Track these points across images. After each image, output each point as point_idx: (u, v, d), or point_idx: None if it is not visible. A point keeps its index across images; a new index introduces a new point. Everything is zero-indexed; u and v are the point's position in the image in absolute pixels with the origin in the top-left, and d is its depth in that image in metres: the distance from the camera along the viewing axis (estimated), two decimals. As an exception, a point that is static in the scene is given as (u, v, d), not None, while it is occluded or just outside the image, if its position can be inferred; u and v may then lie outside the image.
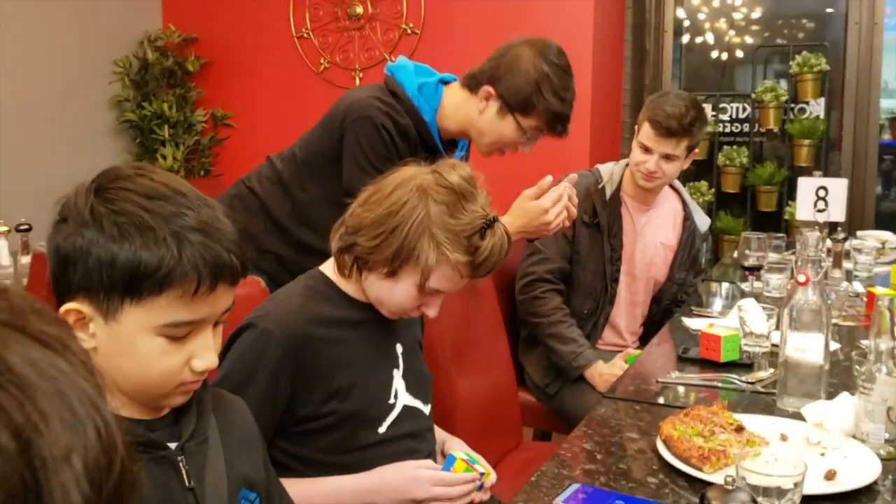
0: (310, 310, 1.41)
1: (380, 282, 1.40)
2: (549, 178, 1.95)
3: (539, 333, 2.46)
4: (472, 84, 1.99)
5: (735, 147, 4.34)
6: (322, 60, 4.31)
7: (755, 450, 1.31)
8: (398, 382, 1.49)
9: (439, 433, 1.63)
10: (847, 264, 2.79)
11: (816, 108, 4.22)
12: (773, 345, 1.91)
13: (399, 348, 1.52)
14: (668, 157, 2.44)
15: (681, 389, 1.78)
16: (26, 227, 2.93)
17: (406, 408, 1.48)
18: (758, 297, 2.37)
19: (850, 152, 4.07)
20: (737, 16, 4.43)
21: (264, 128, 4.40)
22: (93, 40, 4.25)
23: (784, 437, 1.46)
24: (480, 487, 1.42)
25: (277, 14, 4.35)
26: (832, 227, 2.90)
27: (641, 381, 1.83)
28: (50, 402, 0.39)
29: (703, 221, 2.70)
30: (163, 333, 0.94)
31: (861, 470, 1.30)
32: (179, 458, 0.99)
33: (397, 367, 1.50)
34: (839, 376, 1.78)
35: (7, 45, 3.82)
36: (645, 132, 2.44)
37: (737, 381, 1.79)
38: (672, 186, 2.66)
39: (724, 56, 4.51)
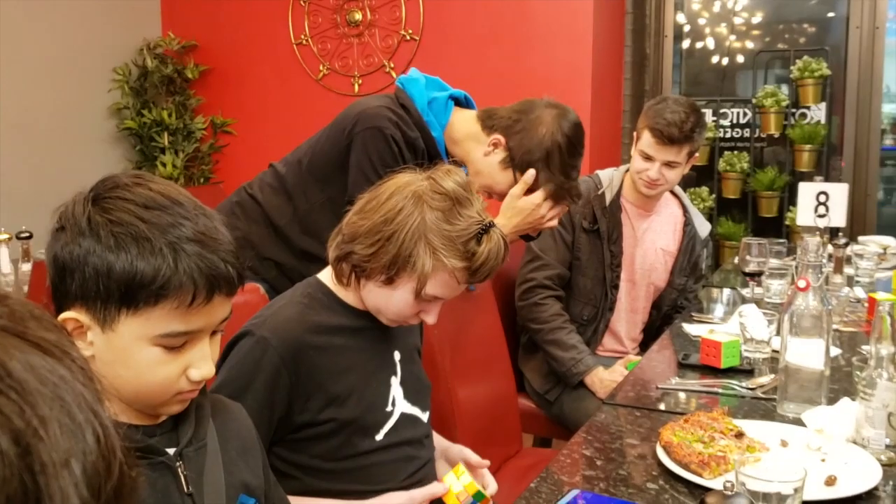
0: (307, 318, 1.40)
1: (378, 290, 1.39)
2: (531, 172, 1.94)
3: (539, 340, 2.46)
4: (488, 124, 1.97)
5: (736, 152, 4.34)
6: (321, 67, 4.32)
7: (755, 455, 1.30)
8: (396, 390, 1.48)
9: (441, 441, 1.62)
10: (848, 270, 2.79)
11: (818, 112, 4.22)
12: (774, 351, 1.91)
13: (397, 355, 1.51)
14: (669, 165, 2.43)
15: (681, 395, 1.77)
16: (27, 234, 2.93)
17: (404, 415, 1.48)
18: (758, 302, 2.37)
19: (852, 157, 4.07)
20: (737, 20, 4.43)
21: (264, 135, 4.40)
22: (92, 48, 4.26)
23: (784, 443, 1.45)
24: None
25: (276, 21, 4.36)
26: (833, 232, 2.89)
27: (641, 387, 1.82)
28: (49, 407, 0.40)
29: (703, 227, 2.69)
30: (159, 343, 0.94)
31: (862, 475, 1.30)
32: (178, 463, 0.99)
33: (395, 374, 1.49)
34: (840, 382, 1.77)
35: (6, 53, 3.83)
36: (645, 140, 2.44)
37: (737, 387, 1.78)
38: (672, 192, 2.66)
39: (725, 61, 4.51)
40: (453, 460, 1.56)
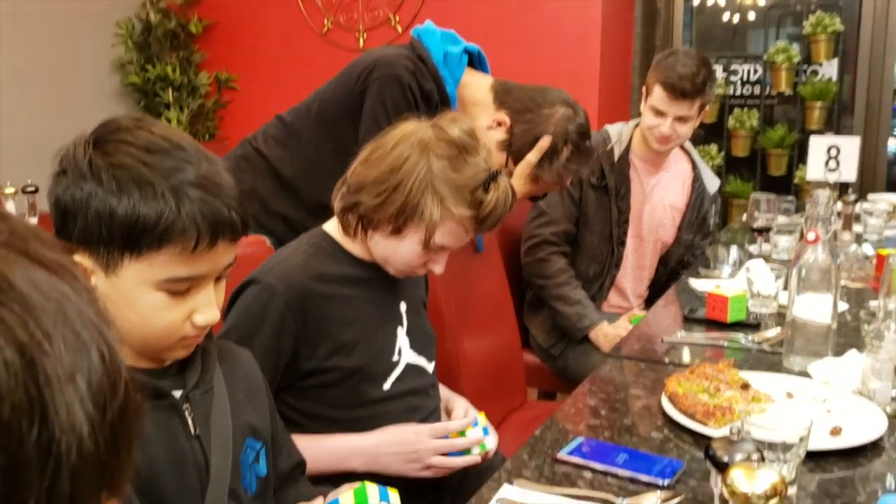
0: (313, 266, 1.40)
1: (385, 240, 1.39)
2: (547, 138, 1.91)
3: (544, 295, 2.46)
4: (500, 98, 1.93)
5: (746, 110, 4.30)
6: (325, 21, 4.26)
7: (761, 406, 1.31)
8: (402, 340, 1.49)
9: (444, 391, 1.63)
10: (857, 227, 2.77)
11: (829, 69, 4.16)
12: (781, 306, 1.90)
13: (403, 306, 1.51)
14: (681, 119, 2.40)
15: (686, 348, 1.77)
16: (33, 188, 2.93)
17: (409, 365, 1.48)
18: (766, 258, 2.36)
19: (863, 115, 4.02)
20: (749, -25, 4.36)
21: (268, 91, 4.36)
22: (94, 2, 4.20)
23: (790, 395, 1.45)
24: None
25: (281, -26, 4.30)
26: (843, 189, 2.87)
27: (647, 340, 1.83)
28: (53, 322, 0.39)
29: (712, 182, 2.67)
30: (163, 288, 0.93)
31: (867, 426, 1.30)
32: (185, 406, 1.00)
33: (401, 324, 1.50)
34: (846, 336, 1.77)
35: (9, 8, 3.79)
36: (657, 95, 2.40)
37: (743, 341, 1.78)
38: (682, 147, 2.63)
39: (736, 17, 4.44)
40: (452, 411, 1.56)
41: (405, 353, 1.48)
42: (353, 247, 1.45)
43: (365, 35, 4.20)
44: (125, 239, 0.90)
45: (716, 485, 0.99)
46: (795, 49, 4.17)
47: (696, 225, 2.63)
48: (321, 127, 1.97)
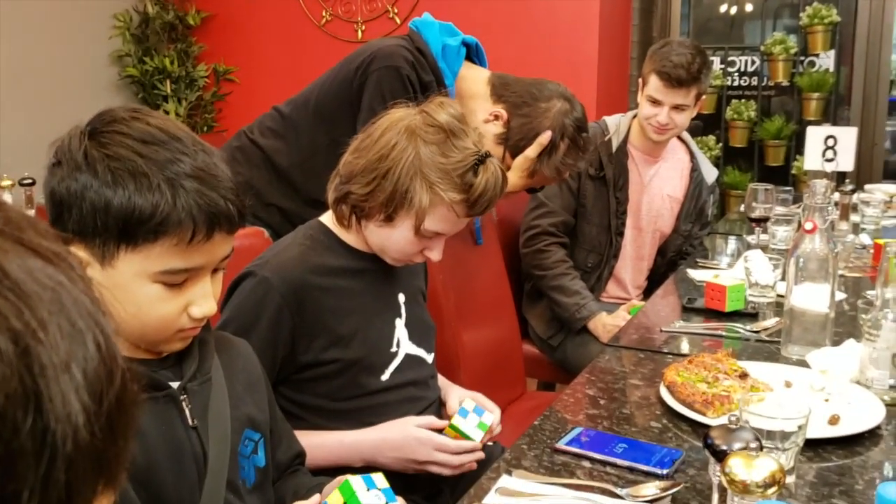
0: (309, 258, 1.40)
1: (378, 229, 1.39)
2: (547, 134, 1.91)
3: (542, 286, 2.46)
4: (497, 92, 1.92)
5: (743, 101, 4.30)
6: (324, 13, 4.25)
7: (759, 395, 1.31)
8: (400, 331, 1.49)
9: (443, 382, 1.63)
10: (854, 217, 2.77)
11: (826, 60, 4.16)
12: (779, 295, 1.90)
13: (401, 297, 1.51)
14: (678, 108, 2.40)
15: (685, 338, 1.77)
16: (30, 181, 2.92)
17: (408, 356, 1.48)
18: (764, 248, 2.36)
19: (860, 106, 4.02)
20: (747, -34, 4.35)
21: (267, 83, 4.36)
22: (92, -7, 4.19)
23: (788, 384, 1.46)
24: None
25: (278, -34, 4.29)
26: (840, 178, 2.87)
27: (645, 330, 1.83)
28: (48, 311, 0.39)
29: (710, 173, 2.67)
30: (159, 280, 0.93)
31: (865, 415, 1.30)
32: (182, 397, 1.00)
33: (399, 315, 1.49)
34: (844, 326, 1.77)
35: (7, 1, 3.77)
36: (653, 84, 2.40)
37: (741, 330, 1.78)
38: (680, 138, 2.63)
39: (734, 9, 4.43)
40: (452, 404, 1.56)
41: (404, 344, 1.48)
42: (350, 238, 1.45)
43: (363, 27, 4.19)
44: (121, 231, 0.90)
45: (714, 474, 0.99)
46: (792, 40, 4.17)
47: (695, 215, 2.64)
48: (319, 118, 1.96)
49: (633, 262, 2.60)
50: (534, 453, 1.22)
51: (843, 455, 1.22)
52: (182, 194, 0.90)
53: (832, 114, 4.16)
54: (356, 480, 1.05)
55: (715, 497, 1.00)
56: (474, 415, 1.42)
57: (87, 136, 0.92)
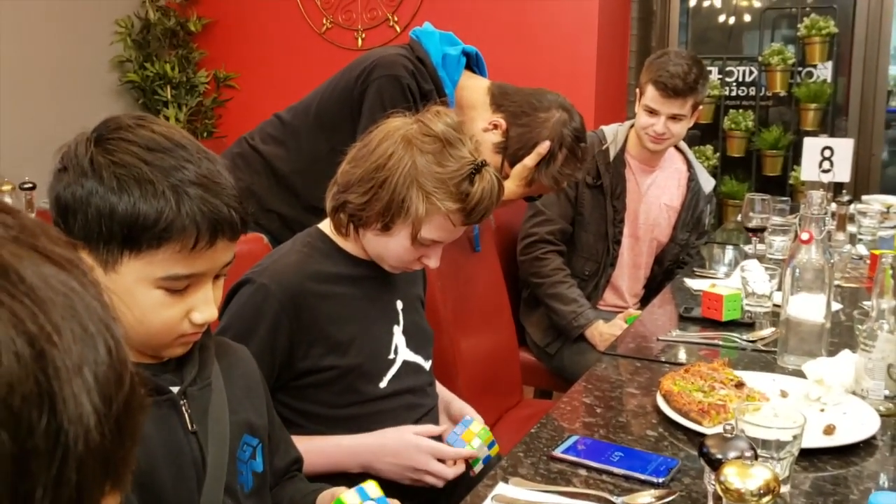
0: (307, 266, 1.41)
1: (375, 238, 1.39)
2: (546, 144, 1.93)
3: (540, 294, 2.47)
4: (497, 101, 1.93)
5: (741, 111, 4.31)
6: (324, 21, 4.27)
7: (755, 404, 1.31)
8: (398, 338, 1.49)
9: (444, 393, 1.63)
10: (851, 228, 2.78)
11: (824, 71, 4.18)
12: (775, 305, 1.91)
13: (399, 304, 1.52)
14: (675, 118, 2.42)
15: (681, 347, 1.78)
16: (30, 185, 2.93)
17: (406, 363, 1.49)
18: (761, 258, 2.38)
19: (857, 117, 4.04)
20: (745, -22, 4.37)
21: (267, 89, 4.37)
22: (94, 0, 4.20)
23: (784, 394, 1.46)
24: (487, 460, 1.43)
25: (280, -27, 4.30)
26: (837, 189, 2.88)
27: (642, 339, 1.84)
28: (62, 315, 0.40)
29: (707, 182, 2.69)
30: (161, 286, 0.94)
31: (860, 425, 1.31)
32: (182, 401, 1.00)
33: (397, 322, 1.50)
34: (840, 336, 1.78)
35: (9, 6, 3.79)
36: (650, 94, 2.42)
37: (738, 340, 1.79)
38: (677, 147, 2.65)
39: (732, 19, 4.45)
40: (454, 416, 1.57)
41: (401, 351, 1.49)
42: (349, 245, 1.46)
43: (363, 35, 4.21)
44: (125, 237, 0.91)
45: (710, 482, 1.00)
46: (790, 51, 4.19)
47: (692, 224, 2.65)
48: (319, 126, 1.97)
49: (630, 270, 2.61)
50: (530, 461, 1.23)
51: (839, 465, 1.22)
52: (186, 201, 0.91)
53: (830, 124, 4.18)
54: (349, 495, 1.06)
55: (710, 505, 1.00)
56: (462, 428, 1.43)
57: (94, 143, 0.93)
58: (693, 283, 2.26)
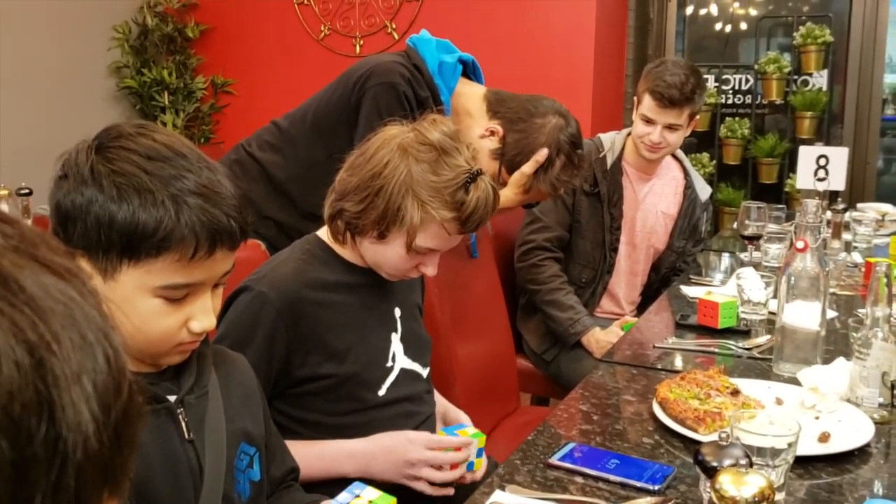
0: (305, 273, 1.41)
1: (372, 246, 1.40)
2: (543, 152, 1.94)
3: (537, 300, 2.47)
4: (493, 108, 1.94)
5: (737, 119, 4.33)
6: (322, 27, 4.28)
7: (750, 411, 1.32)
8: (396, 346, 1.49)
9: (441, 402, 1.63)
10: (846, 236, 2.80)
11: (819, 80, 4.20)
12: (771, 313, 1.92)
13: (397, 312, 1.52)
14: (671, 127, 2.43)
15: (677, 355, 1.79)
16: (27, 191, 2.92)
17: (404, 371, 1.49)
18: (756, 266, 2.38)
19: (853, 126, 4.06)
20: (741, -14, 4.40)
21: (264, 95, 4.38)
22: (91, 5, 4.21)
23: (779, 401, 1.47)
24: (470, 466, 1.42)
25: (278, -20, 4.31)
26: (832, 197, 2.90)
27: (638, 346, 1.84)
28: (61, 324, 0.40)
29: (704, 190, 2.70)
30: (160, 295, 0.94)
31: (855, 433, 1.31)
32: (179, 410, 1.01)
33: (395, 330, 1.50)
34: (835, 344, 1.79)
35: (6, 10, 3.79)
36: (646, 104, 2.43)
37: (733, 347, 1.80)
38: (674, 155, 2.66)
39: (728, 27, 4.48)
40: (451, 423, 1.57)
41: (399, 359, 1.49)
42: (346, 252, 1.46)
43: (361, 41, 4.22)
44: (124, 245, 0.91)
45: (705, 489, 1.00)
46: (786, 59, 4.21)
47: (688, 232, 2.66)
48: (316, 133, 1.98)
49: (626, 277, 2.62)
50: (527, 468, 1.23)
51: (833, 472, 1.23)
52: (185, 211, 0.91)
53: (825, 132, 4.20)
54: None
55: (705, 513, 1.01)
56: (455, 429, 1.44)
57: (94, 151, 0.94)
58: (689, 291, 2.27)
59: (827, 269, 1.62)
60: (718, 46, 4.55)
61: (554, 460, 1.23)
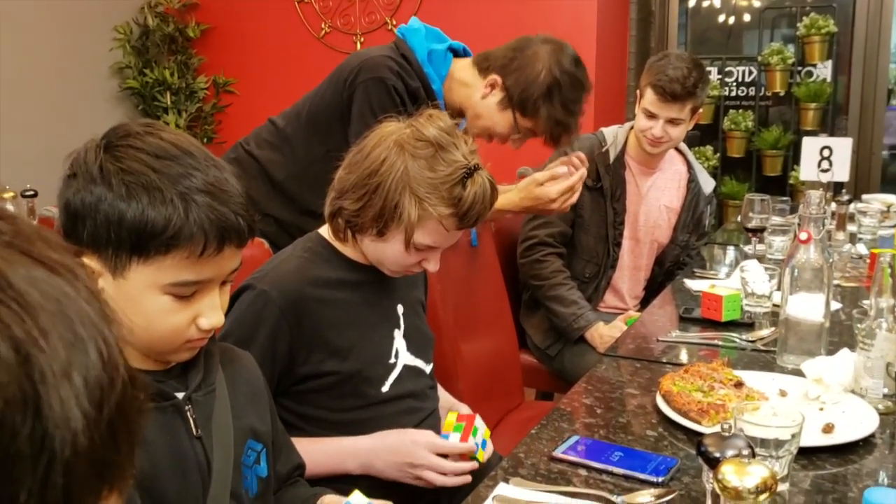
0: (307, 271, 1.41)
1: (373, 243, 1.40)
2: (562, 169, 1.97)
3: (540, 296, 2.47)
4: (483, 66, 1.97)
5: (741, 111, 4.32)
6: (323, 25, 4.28)
7: (754, 403, 1.32)
8: (399, 342, 1.50)
9: (445, 397, 1.63)
10: (851, 227, 2.79)
11: (823, 70, 4.19)
12: (775, 305, 1.92)
13: (400, 308, 1.52)
14: (673, 122, 2.42)
15: (681, 348, 1.79)
16: (31, 192, 2.93)
17: (407, 367, 1.49)
18: (760, 258, 2.38)
19: (858, 116, 4.04)
20: (743, -22, 4.38)
21: (266, 94, 4.38)
22: (93, 6, 4.22)
23: (783, 393, 1.47)
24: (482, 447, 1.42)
25: (278, -22, 4.31)
26: (837, 188, 2.89)
27: (642, 339, 1.84)
28: (51, 320, 0.40)
29: (707, 183, 2.69)
30: (169, 292, 0.95)
31: (859, 423, 1.31)
32: (187, 407, 1.01)
33: (398, 327, 1.50)
34: (840, 335, 1.79)
35: (7, 11, 3.80)
36: (648, 98, 2.42)
37: (737, 340, 1.80)
38: (677, 148, 2.65)
39: (731, 19, 4.46)
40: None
41: (402, 356, 1.49)
42: (348, 250, 1.46)
43: (362, 38, 4.22)
44: (133, 243, 0.92)
45: (708, 481, 1.00)
46: (790, 50, 4.19)
47: (692, 226, 2.65)
48: (312, 130, 1.99)
49: (630, 272, 2.62)
50: (531, 461, 1.23)
51: (837, 463, 1.23)
52: (194, 208, 0.92)
53: (830, 124, 4.18)
54: None
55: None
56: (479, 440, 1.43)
57: (103, 150, 0.95)
58: (693, 284, 2.26)
59: (831, 260, 1.62)
60: (721, 38, 4.54)
61: (558, 453, 1.23)
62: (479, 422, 1.45)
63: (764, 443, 1.11)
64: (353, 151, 1.41)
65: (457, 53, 2.05)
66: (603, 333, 2.36)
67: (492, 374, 2.14)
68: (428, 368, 1.55)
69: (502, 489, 1.14)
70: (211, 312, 0.98)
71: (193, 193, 0.92)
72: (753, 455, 0.99)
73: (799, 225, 1.62)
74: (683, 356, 1.74)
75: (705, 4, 4.46)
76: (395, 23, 4.13)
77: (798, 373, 1.55)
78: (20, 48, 3.87)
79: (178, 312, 0.96)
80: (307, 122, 2.00)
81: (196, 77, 4.50)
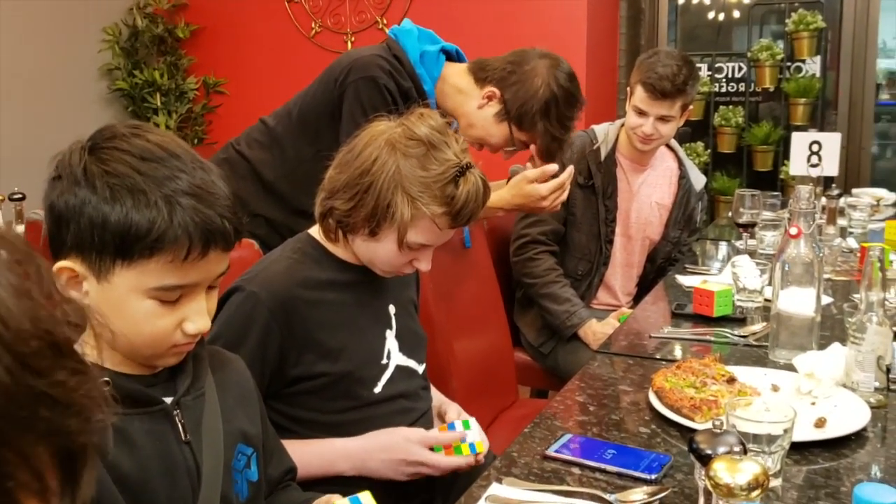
0: (297, 272, 1.40)
1: (364, 243, 1.39)
2: (553, 167, 1.96)
3: (533, 294, 2.47)
4: (480, 76, 1.96)
5: (731, 107, 4.33)
6: (313, 24, 4.27)
7: (746, 399, 1.32)
8: (391, 343, 1.49)
9: (438, 397, 1.63)
10: (841, 221, 2.80)
11: (812, 66, 4.20)
12: (766, 300, 1.92)
13: (392, 309, 1.51)
14: (663, 119, 2.42)
15: (673, 344, 1.79)
16: (19, 196, 2.92)
17: (399, 367, 1.48)
18: (752, 254, 2.38)
19: (847, 111, 4.06)
20: (732, -26, 4.39)
21: (257, 95, 4.37)
22: (81, 7, 4.20)
23: (775, 388, 1.47)
24: (472, 449, 1.42)
25: (267, -22, 4.30)
26: (827, 183, 2.90)
27: (635, 336, 1.84)
28: None
29: (698, 180, 2.70)
30: (154, 296, 0.94)
31: (851, 417, 1.32)
32: (175, 412, 1.00)
33: (390, 327, 1.50)
34: (831, 329, 1.79)
35: (-5, 14, 3.78)
36: (639, 95, 2.42)
37: (729, 335, 1.80)
38: (668, 146, 2.65)
39: (721, 16, 4.47)
40: (446, 415, 1.57)
41: (394, 356, 1.48)
42: (339, 250, 1.45)
43: (353, 38, 4.21)
44: (117, 246, 0.91)
45: (700, 477, 1.00)
46: (779, 46, 4.20)
47: (683, 222, 2.66)
48: (302, 130, 1.98)
49: (622, 269, 2.62)
50: (524, 460, 1.23)
51: (830, 457, 1.23)
52: (179, 211, 0.91)
53: (819, 119, 4.20)
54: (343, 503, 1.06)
55: (701, 501, 1.01)
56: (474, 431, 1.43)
57: (88, 152, 0.93)
58: (685, 280, 2.27)
59: (821, 254, 1.62)
60: (711, 35, 4.55)
61: (551, 452, 1.23)
62: (473, 422, 1.45)
63: (756, 438, 1.11)
64: (343, 151, 1.40)
65: (449, 55, 2.04)
66: (596, 330, 2.36)
67: (485, 373, 2.14)
68: (420, 369, 1.55)
69: (495, 489, 1.14)
70: (197, 317, 0.97)
71: (178, 196, 0.91)
72: (745, 451, 0.99)
73: (789, 220, 1.63)
74: (676, 352, 1.74)
75: (694, 1, 4.47)
76: (385, 22, 4.13)
77: (790, 367, 1.55)
78: (7, 50, 3.85)
79: (163, 317, 0.95)
80: (298, 121, 1.99)
81: (186, 78, 4.49)
